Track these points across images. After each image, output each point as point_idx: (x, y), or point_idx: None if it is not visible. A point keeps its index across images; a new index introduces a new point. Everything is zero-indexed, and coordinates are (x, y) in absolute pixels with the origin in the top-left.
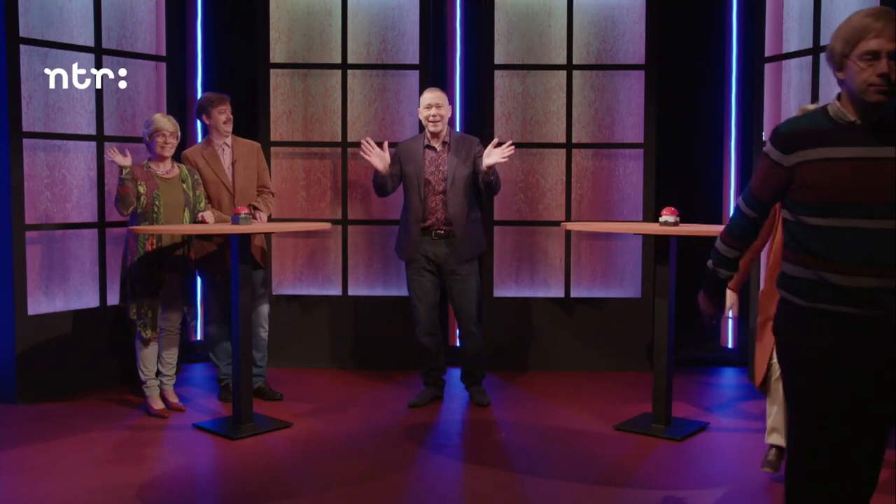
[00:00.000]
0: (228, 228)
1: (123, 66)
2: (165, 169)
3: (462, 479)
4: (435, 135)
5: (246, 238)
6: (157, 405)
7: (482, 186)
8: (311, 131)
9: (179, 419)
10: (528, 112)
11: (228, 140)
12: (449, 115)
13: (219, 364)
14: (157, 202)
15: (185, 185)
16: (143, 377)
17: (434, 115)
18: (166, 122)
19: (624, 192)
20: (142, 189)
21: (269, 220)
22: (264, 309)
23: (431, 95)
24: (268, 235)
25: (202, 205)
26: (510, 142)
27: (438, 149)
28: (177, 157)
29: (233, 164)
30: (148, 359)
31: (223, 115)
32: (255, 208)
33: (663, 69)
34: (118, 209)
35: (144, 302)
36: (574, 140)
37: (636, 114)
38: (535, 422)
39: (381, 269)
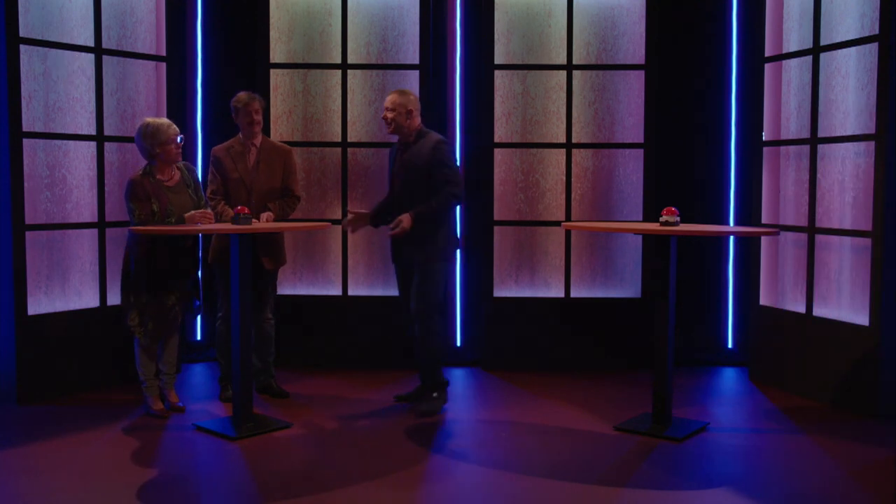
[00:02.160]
0: (229, 228)
1: (123, 66)
2: (168, 176)
3: (462, 478)
4: (397, 135)
5: (247, 238)
6: (157, 405)
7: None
8: (311, 131)
9: (180, 419)
10: (528, 112)
11: (257, 141)
12: (406, 118)
13: (223, 363)
14: (171, 218)
15: (189, 191)
16: (142, 378)
17: (384, 117)
18: (174, 126)
19: (624, 192)
20: (155, 207)
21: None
22: (270, 305)
23: (386, 99)
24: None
25: (203, 205)
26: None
27: (405, 149)
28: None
29: (257, 164)
30: (147, 360)
31: (248, 117)
32: (267, 209)
33: (663, 69)
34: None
35: (147, 310)
36: (574, 140)
37: (636, 114)
38: (535, 422)
39: (381, 269)
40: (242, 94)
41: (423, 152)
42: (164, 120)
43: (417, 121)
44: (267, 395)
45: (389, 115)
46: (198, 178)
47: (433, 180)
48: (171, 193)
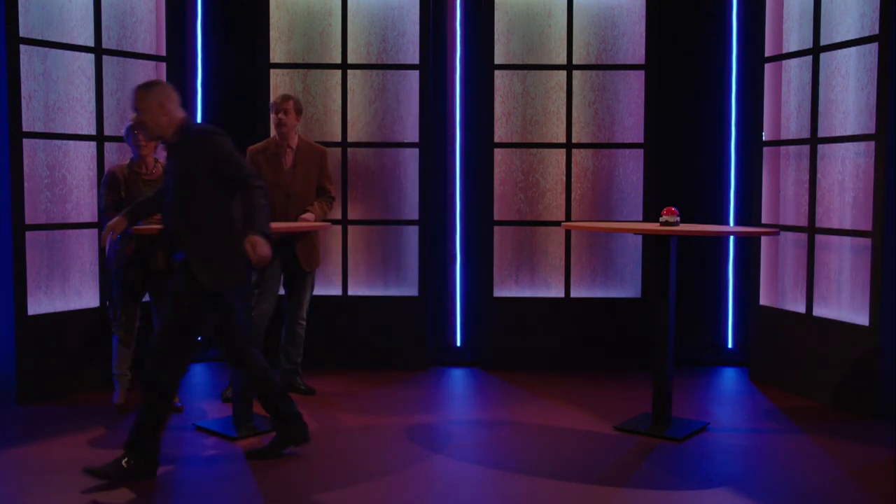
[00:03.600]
0: None
1: (123, 66)
2: (147, 169)
3: (462, 478)
4: (156, 137)
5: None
6: (121, 398)
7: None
8: (311, 131)
9: (180, 419)
10: (528, 112)
11: (292, 142)
12: (160, 114)
13: None
14: None
15: None
16: (114, 369)
17: (133, 119)
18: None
19: (624, 192)
20: (123, 194)
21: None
22: (304, 307)
23: (132, 97)
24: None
25: None
26: None
27: (171, 151)
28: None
29: (293, 168)
30: (123, 355)
31: (275, 117)
32: (305, 210)
33: (663, 69)
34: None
35: (120, 305)
36: (574, 140)
37: (636, 114)
38: (535, 422)
39: (381, 269)
40: (279, 95)
41: (194, 150)
42: None
43: (178, 114)
44: (293, 393)
45: (139, 116)
46: None
47: (225, 180)
48: (145, 186)
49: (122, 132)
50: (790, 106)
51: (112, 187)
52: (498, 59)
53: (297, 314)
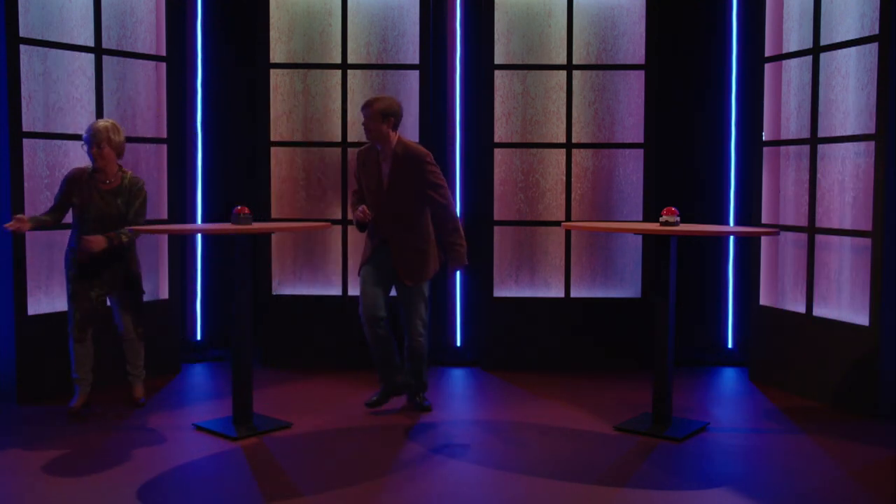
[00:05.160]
0: (228, 228)
1: (123, 66)
2: (105, 180)
3: (461, 478)
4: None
5: (247, 238)
6: (78, 402)
7: None
8: (311, 131)
9: (180, 419)
10: (528, 112)
11: (388, 147)
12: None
13: (385, 372)
14: (85, 215)
15: (119, 200)
16: (73, 373)
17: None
18: (97, 128)
19: (624, 192)
20: (76, 200)
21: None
22: (417, 321)
23: None
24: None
25: (140, 220)
26: None
27: None
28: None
29: (388, 176)
30: (81, 357)
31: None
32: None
33: (663, 69)
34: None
35: (74, 301)
36: (574, 140)
37: (636, 114)
38: (535, 422)
39: None
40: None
41: None
42: (103, 125)
43: None
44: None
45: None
46: (139, 195)
47: None
48: (98, 195)
49: (84, 138)
50: (790, 106)
51: (63, 187)
52: (498, 59)
53: (412, 329)
